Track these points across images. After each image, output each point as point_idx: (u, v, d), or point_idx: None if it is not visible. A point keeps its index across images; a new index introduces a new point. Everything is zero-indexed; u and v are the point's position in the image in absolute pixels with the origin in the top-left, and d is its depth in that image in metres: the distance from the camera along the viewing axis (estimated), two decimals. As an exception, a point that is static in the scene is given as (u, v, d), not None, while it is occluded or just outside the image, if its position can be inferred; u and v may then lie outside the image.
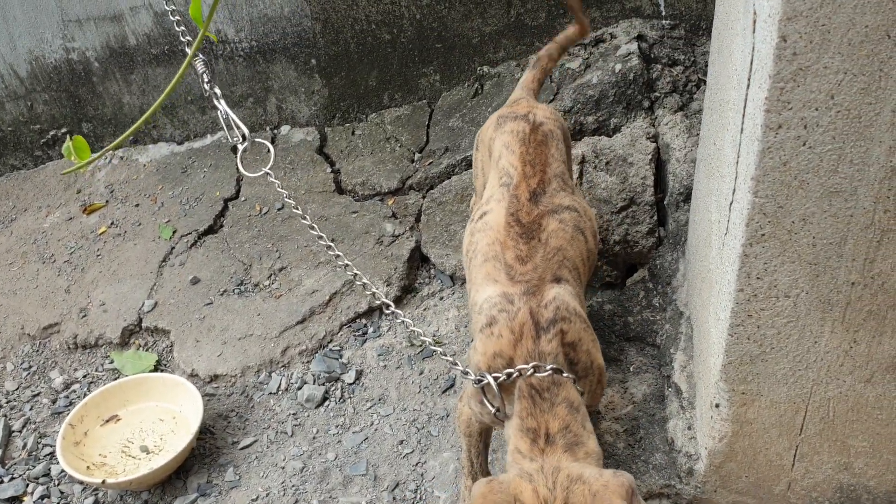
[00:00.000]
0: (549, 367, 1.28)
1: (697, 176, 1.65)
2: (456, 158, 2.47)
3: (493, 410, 1.35)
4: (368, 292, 1.52)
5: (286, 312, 2.31)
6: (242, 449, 2.05)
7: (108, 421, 2.11)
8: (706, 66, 2.34)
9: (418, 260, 2.39)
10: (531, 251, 1.46)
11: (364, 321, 2.30)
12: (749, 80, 1.05)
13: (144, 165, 2.91)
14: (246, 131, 1.69)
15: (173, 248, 2.59)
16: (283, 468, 1.98)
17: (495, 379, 1.32)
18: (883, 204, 1.02)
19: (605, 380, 1.41)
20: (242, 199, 2.69)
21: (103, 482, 1.87)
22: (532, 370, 1.28)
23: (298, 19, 2.60)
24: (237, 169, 1.66)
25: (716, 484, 1.32)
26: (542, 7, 2.45)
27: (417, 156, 2.59)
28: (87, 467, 1.97)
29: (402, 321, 1.48)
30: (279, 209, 2.62)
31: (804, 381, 1.17)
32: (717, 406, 1.23)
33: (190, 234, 2.61)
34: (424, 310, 2.29)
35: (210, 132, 2.90)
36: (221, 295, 2.42)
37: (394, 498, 1.86)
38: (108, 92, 2.88)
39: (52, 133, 3.02)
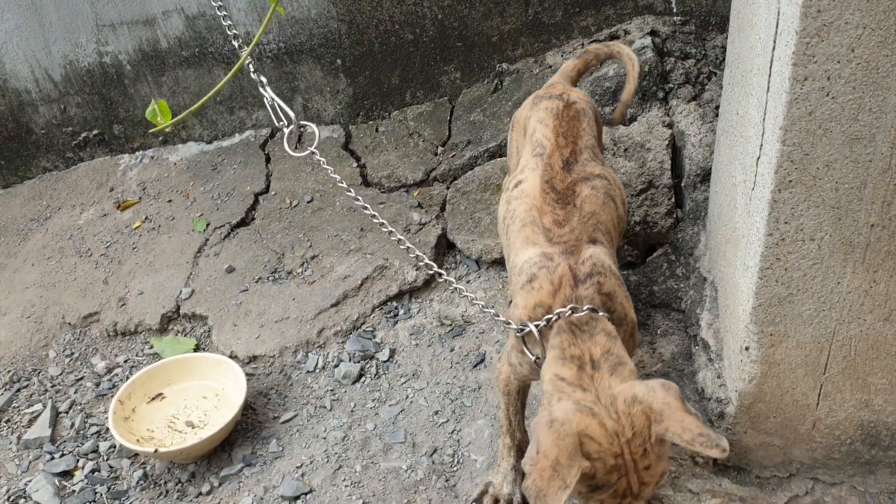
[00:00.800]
0: (586, 308, 1.38)
1: (718, 149, 1.77)
2: (479, 150, 2.58)
3: (534, 358, 1.45)
4: (421, 263, 1.62)
5: (320, 296, 2.42)
6: (284, 423, 2.14)
7: (153, 399, 2.20)
8: (717, 58, 2.47)
9: (444, 246, 2.50)
10: (567, 215, 1.56)
11: (395, 304, 2.40)
12: (775, 41, 1.17)
13: (175, 164, 3.01)
14: (292, 115, 1.82)
15: (207, 239, 2.69)
16: (325, 438, 2.07)
17: (536, 326, 1.42)
18: (899, 151, 1.13)
19: (637, 334, 1.51)
20: (273, 192, 2.79)
21: (155, 451, 1.96)
22: (570, 311, 1.38)
23: (325, 21, 2.72)
24: (286, 150, 1.75)
25: (746, 425, 1.42)
26: (558, 5, 2.58)
27: (440, 149, 2.71)
28: (137, 440, 2.06)
29: (455, 287, 1.59)
30: (308, 201, 2.73)
31: (828, 321, 1.28)
32: (746, 349, 1.33)
33: (223, 226, 2.71)
34: (452, 292, 2.40)
35: (238, 131, 3.02)
36: (256, 282, 2.52)
37: (433, 462, 1.95)
38: (139, 94, 2.99)
39: (83, 135, 3.12)
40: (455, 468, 1.93)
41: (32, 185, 3.21)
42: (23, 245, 2.95)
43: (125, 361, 2.45)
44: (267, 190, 2.81)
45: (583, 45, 2.60)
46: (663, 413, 1.19)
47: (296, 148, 1.91)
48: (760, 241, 1.21)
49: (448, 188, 2.60)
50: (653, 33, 2.50)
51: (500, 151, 2.55)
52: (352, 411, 2.14)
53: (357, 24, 2.71)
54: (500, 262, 2.39)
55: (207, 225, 2.73)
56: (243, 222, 2.72)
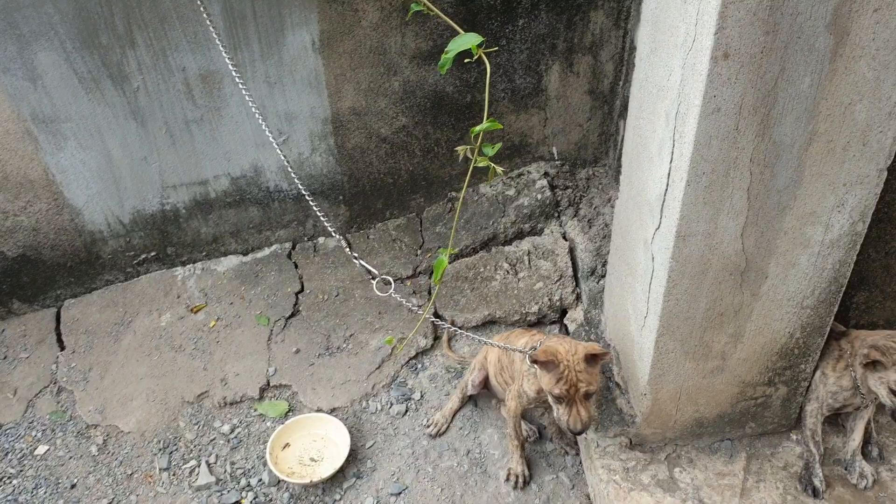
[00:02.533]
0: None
1: (611, 289, 3.25)
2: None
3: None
4: (360, 265, 3.00)
5: (366, 363, 3.72)
6: (368, 448, 3.46)
7: (284, 447, 3.45)
8: (584, 186, 3.95)
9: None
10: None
11: (414, 361, 3.75)
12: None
13: (223, 273, 4.14)
14: (375, 272, 3.14)
15: (272, 330, 3.89)
16: (400, 454, 3.42)
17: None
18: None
19: None
20: (308, 291, 4.02)
21: (311, 481, 3.24)
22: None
23: (332, 175, 3.94)
24: (375, 293, 3.07)
25: (645, 426, 2.92)
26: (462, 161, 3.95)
27: (419, 251, 4.04)
28: (288, 475, 3.32)
29: (357, 260, 2.97)
30: (336, 295, 3.98)
31: (679, 381, 2.76)
32: (644, 395, 2.82)
33: (279, 319, 3.92)
34: (450, 350, 3.77)
35: (266, 245, 4.18)
36: (318, 357, 3.78)
37: (470, 459, 3.36)
38: (190, 227, 4.08)
39: (143, 256, 4.16)
40: (485, 460, 3.35)
41: (102, 295, 4.20)
42: (118, 345, 3.99)
43: (240, 423, 3.64)
44: (302, 289, 4.03)
45: (501, 181, 4.00)
46: (588, 346, 2.65)
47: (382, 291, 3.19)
48: (651, 354, 2.68)
49: (430, 279, 3.95)
50: (545, 174, 3.94)
51: (461, 254, 3.93)
52: (407, 434, 3.49)
53: (355, 175, 3.95)
54: (476, 328, 3.78)
55: (268, 319, 3.92)
56: (293, 315, 3.94)
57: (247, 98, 3.03)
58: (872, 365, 2.66)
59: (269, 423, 3.58)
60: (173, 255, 4.16)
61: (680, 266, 2.40)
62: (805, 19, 1.93)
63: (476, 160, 2.37)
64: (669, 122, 2.28)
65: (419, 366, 3.73)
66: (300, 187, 2.90)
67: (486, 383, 3.39)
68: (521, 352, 2.85)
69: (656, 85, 2.38)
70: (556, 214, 3.86)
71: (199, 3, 3.18)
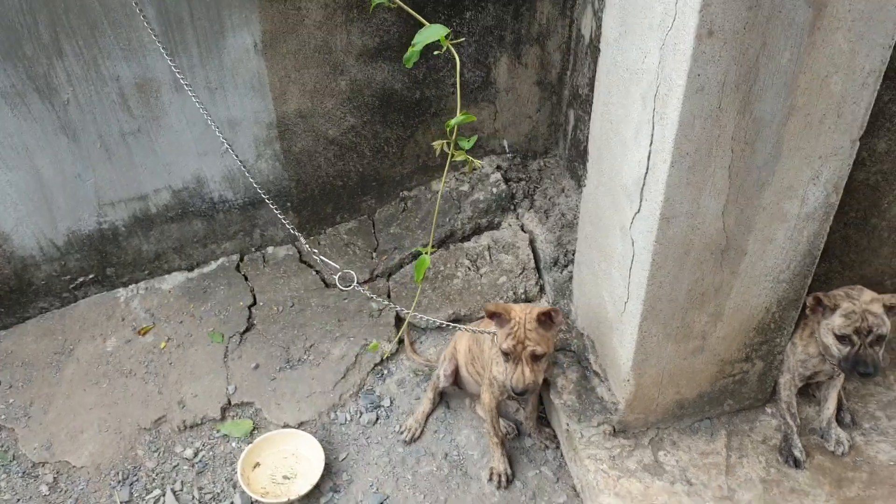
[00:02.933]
0: None
1: (580, 272, 3.21)
2: (404, 254, 3.84)
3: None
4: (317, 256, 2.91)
5: (331, 373, 3.59)
6: (342, 461, 3.33)
7: (254, 467, 3.28)
8: (537, 178, 3.91)
9: (397, 322, 3.76)
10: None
11: (380, 367, 3.63)
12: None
13: (169, 291, 3.93)
14: (336, 266, 3.03)
15: (227, 347, 3.71)
16: (376, 464, 3.30)
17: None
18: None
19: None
20: (260, 303, 3.85)
21: (288, 500, 3.09)
22: None
23: (280, 181, 3.79)
24: (340, 288, 2.94)
25: (628, 412, 2.89)
26: (438, 155, 3.87)
27: (374, 254, 3.93)
28: (262, 495, 3.16)
29: (319, 258, 2.89)
30: (291, 306, 3.83)
31: (661, 364, 2.75)
32: (627, 380, 2.79)
33: (234, 335, 3.74)
34: (415, 353, 3.68)
35: (213, 259, 3.99)
36: (279, 371, 3.62)
37: (449, 462, 3.27)
38: (130, 245, 3.85)
39: (80, 279, 3.91)
40: (464, 462, 3.27)
41: (37, 324, 3.93)
42: (60, 375, 3.73)
43: (203, 445, 3.45)
44: (255, 302, 3.86)
45: (454, 177, 3.93)
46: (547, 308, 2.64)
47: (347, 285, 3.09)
48: (634, 339, 2.66)
49: (388, 281, 3.85)
50: (498, 168, 3.89)
51: (418, 253, 3.83)
52: (380, 443, 3.38)
53: (303, 180, 3.81)
54: (441, 329, 3.70)
55: (223, 336, 3.74)
56: (248, 329, 3.77)
57: (195, 102, 2.87)
58: (821, 313, 2.70)
59: (234, 444, 3.41)
60: (113, 277, 3.92)
61: (663, 249, 2.38)
62: (786, -7, 1.93)
63: (453, 154, 2.29)
64: (647, 105, 2.25)
65: (385, 371, 3.62)
66: (257, 189, 2.77)
67: (457, 377, 3.32)
68: (488, 333, 2.80)
69: (628, 68, 2.35)
70: (513, 207, 3.82)
71: (134, 5, 2.99)
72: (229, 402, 3.52)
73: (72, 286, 3.89)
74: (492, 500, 3.10)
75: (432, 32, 2.30)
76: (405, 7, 2.33)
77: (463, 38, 3.34)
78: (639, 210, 2.42)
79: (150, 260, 3.89)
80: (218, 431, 3.47)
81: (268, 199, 2.94)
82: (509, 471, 3.12)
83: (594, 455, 2.90)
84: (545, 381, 3.17)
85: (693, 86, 2.03)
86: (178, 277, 3.97)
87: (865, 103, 2.20)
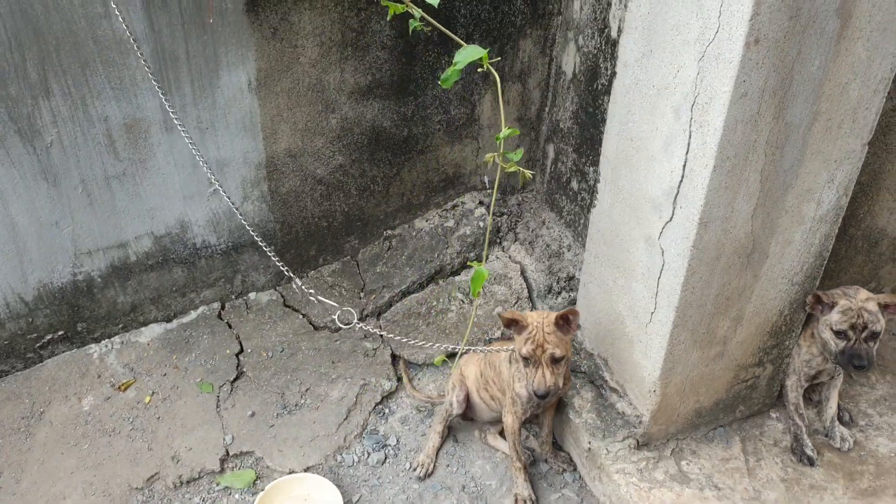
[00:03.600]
0: None
1: (588, 288, 3.28)
2: (394, 291, 3.81)
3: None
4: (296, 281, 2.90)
5: (333, 415, 3.48)
6: (356, 503, 3.22)
7: (266, 516, 3.12)
8: (517, 213, 4.00)
9: (393, 361, 3.70)
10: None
11: (381, 406, 3.55)
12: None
13: (148, 344, 3.73)
14: (336, 305, 3.00)
15: (219, 396, 3.54)
16: (392, 502, 3.20)
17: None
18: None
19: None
20: (248, 350, 3.71)
21: (312, 545, 2.95)
22: None
23: (265, 223, 3.71)
24: (339, 326, 2.88)
25: (652, 424, 2.95)
26: (421, 192, 3.91)
27: (361, 294, 3.87)
28: (278, 545, 3.00)
29: (316, 298, 2.88)
30: (281, 351, 3.71)
31: (686, 372, 2.83)
32: (653, 391, 2.85)
33: (224, 384, 3.58)
34: (414, 390, 3.62)
35: (192, 308, 3.83)
36: (277, 417, 3.48)
37: (468, 494, 3.21)
38: (105, 297, 3.65)
39: (48, 337, 3.66)
40: (483, 492, 3.22)
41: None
42: (31, 441, 3.45)
43: (203, 501, 3.25)
44: (242, 349, 3.71)
45: (437, 214, 3.96)
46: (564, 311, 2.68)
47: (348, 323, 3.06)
48: (664, 348, 2.73)
49: (378, 319, 3.80)
50: (481, 203, 3.95)
51: (409, 291, 3.82)
52: (393, 482, 3.29)
53: (288, 222, 3.74)
54: (434, 365, 3.67)
55: (212, 386, 3.57)
56: (238, 377, 3.61)
57: (187, 141, 2.83)
58: (820, 310, 2.87)
59: (237, 496, 3.24)
60: (84, 332, 3.69)
61: (699, 254, 2.48)
62: (820, 4, 2.11)
63: (502, 166, 2.33)
64: (681, 116, 2.37)
65: (386, 411, 3.55)
66: (248, 231, 2.74)
67: (467, 406, 3.29)
68: (505, 350, 2.83)
69: (654, 85, 2.48)
70: (498, 241, 3.88)
71: (132, 42, 2.92)
72: (227, 453, 3.34)
73: (37, 345, 3.64)
74: (519, 527, 3.06)
75: (472, 52, 2.35)
76: (442, 29, 2.38)
77: (499, 58, 3.42)
78: (671, 219, 2.52)
79: (126, 312, 3.69)
80: (218, 484, 3.28)
81: (259, 239, 2.87)
82: (534, 496, 3.09)
83: (623, 469, 2.93)
84: (560, 400, 3.20)
85: (738, 92, 2.17)
86: (155, 329, 3.78)
87: (876, 109, 2.40)
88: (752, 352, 2.91)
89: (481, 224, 3.84)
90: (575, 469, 3.22)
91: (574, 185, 3.69)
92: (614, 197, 2.82)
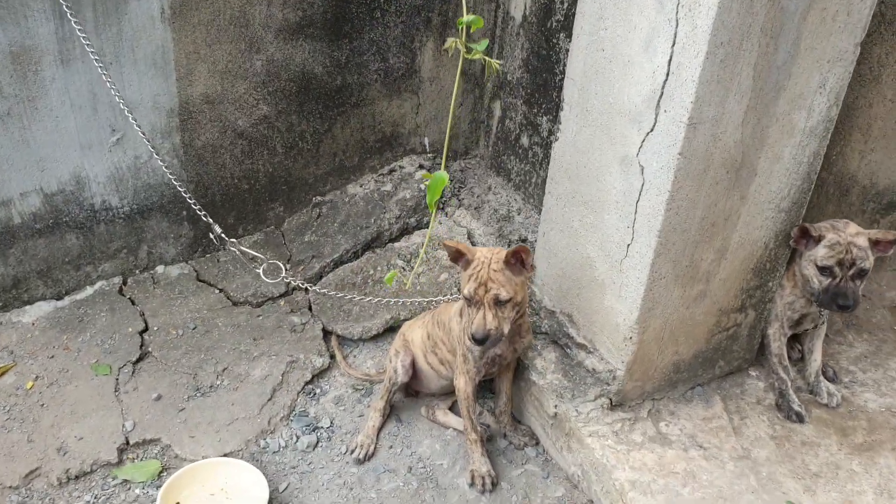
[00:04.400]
0: None
1: (548, 236, 2.97)
2: (325, 262, 3.41)
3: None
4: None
5: (255, 395, 3.01)
6: (283, 492, 2.75)
7: (174, 509, 2.62)
8: (460, 179, 3.69)
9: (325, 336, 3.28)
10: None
11: (312, 386, 3.11)
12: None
13: (33, 324, 3.19)
14: (262, 257, 2.62)
15: (118, 379, 3.03)
16: (328, 488, 2.75)
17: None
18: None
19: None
20: (155, 328, 3.22)
21: (232, 535, 2.47)
22: None
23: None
24: (263, 280, 2.46)
25: (627, 379, 2.61)
26: (355, 154, 3.55)
27: (287, 266, 3.45)
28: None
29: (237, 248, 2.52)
30: (193, 328, 3.23)
31: (665, 314, 2.51)
32: (630, 338, 2.54)
33: (125, 365, 3.07)
34: (349, 367, 3.20)
35: (88, 284, 3.32)
36: (188, 400, 2.99)
37: (416, 475, 2.80)
38: (-22, 269, 3.12)
39: None
40: (434, 473, 2.81)
41: None
42: None
43: (96, 498, 2.72)
44: (147, 328, 3.22)
45: (373, 179, 3.61)
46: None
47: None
48: (643, 284, 2.42)
49: (307, 293, 3.38)
50: (421, 167, 3.63)
51: (342, 260, 3.42)
52: (327, 467, 2.84)
53: (203, 182, 3.31)
54: (377, 338, 3.26)
55: (110, 368, 3.06)
56: (142, 358, 3.12)
57: (101, 73, 2.42)
58: (804, 245, 2.65)
59: (138, 491, 2.73)
60: (-50, 314, 3.14)
61: (686, 164, 2.22)
62: None
63: (465, 53, 2.02)
64: (665, 5, 2.13)
65: (318, 391, 3.11)
66: (171, 182, 2.32)
67: (412, 375, 2.91)
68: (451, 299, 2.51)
69: (631, -21, 2.23)
70: (441, 206, 3.54)
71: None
72: (127, 442, 2.84)
73: None
74: (479, 507, 2.66)
75: None
76: None
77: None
78: (652, 128, 2.26)
79: (6, 288, 3.16)
80: (115, 478, 2.77)
81: (181, 188, 2.48)
82: (493, 472, 2.72)
83: (596, 432, 2.59)
84: (518, 365, 2.85)
85: (734, -38, 1.94)
86: (43, 307, 3.25)
87: (869, 4, 2.22)
88: (735, 293, 2.65)
89: (422, 187, 3.51)
90: (538, 443, 2.87)
91: (524, 140, 3.41)
92: (582, 121, 2.55)
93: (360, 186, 3.59)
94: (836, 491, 2.47)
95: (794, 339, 3.01)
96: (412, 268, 3.30)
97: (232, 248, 2.63)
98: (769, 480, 2.50)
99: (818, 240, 2.61)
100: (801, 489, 2.47)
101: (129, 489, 2.73)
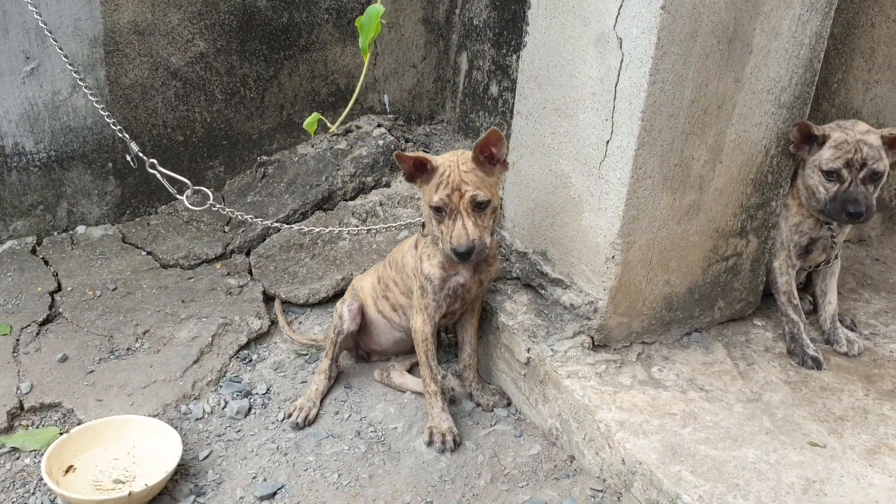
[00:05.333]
0: None
1: (523, 155, 2.64)
2: (268, 223, 3.05)
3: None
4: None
5: (179, 357, 2.61)
6: (203, 460, 2.32)
7: (66, 472, 2.18)
8: (424, 142, 3.38)
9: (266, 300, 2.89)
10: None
11: (246, 352, 2.71)
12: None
13: (-73, 284, 2.81)
14: (188, 182, 2.29)
15: (18, 339, 2.63)
16: (257, 454, 2.32)
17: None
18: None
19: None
20: (69, 289, 2.83)
21: (130, 493, 2.03)
22: None
23: (100, 128, 2.94)
24: (187, 207, 2.11)
25: (611, 311, 2.23)
26: (306, 108, 3.24)
27: (226, 227, 3.09)
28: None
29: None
30: (113, 289, 2.85)
31: (653, 228, 2.16)
32: (612, 258, 2.17)
33: (29, 325, 2.67)
34: (293, 332, 2.81)
35: (-3, 242, 2.95)
36: (99, 363, 2.58)
37: (365, 439, 2.37)
38: None
39: None
40: (386, 437, 2.38)
41: None
42: None
43: (-23, 466, 2.29)
44: (60, 288, 2.84)
45: (326, 137, 3.30)
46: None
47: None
48: (625, 185, 2.08)
49: (248, 256, 3.01)
50: (380, 126, 3.32)
51: (288, 220, 3.07)
52: (258, 435, 2.41)
53: (132, 130, 2.97)
54: (324, 302, 2.88)
55: (10, 328, 2.66)
56: (50, 319, 2.72)
57: None
58: (807, 150, 2.31)
59: (28, 460, 2.31)
60: None
61: (671, 21, 1.93)
62: None
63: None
64: None
65: (254, 356, 2.71)
66: (100, 117, 2.02)
67: (361, 325, 2.53)
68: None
69: None
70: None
71: None
72: (21, 406, 2.43)
73: None
74: (437, 469, 2.24)
75: None
76: None
77: None
78: (630, -11, 1.97)
79: None
80: (2, 446, 2.33)
81: (111, 121, 2.15)
82: (455, 429, 2.30)
83: (576, 372, 2.20)
84: (483, 311, 2.48)
85: None
86: (-60, 266, 2.87)
87: None
88: (734, 210, 2.31)
89: (381, 143, 3.19)
90: (509, 403, 2.46)
91: (493, 89, 3.13)
92: (552, 11, 2.26)
93: (312, 146, 3.28)
94: (866, 434, 2.07)
95: (805, 288, 2.65)
96: (368, 227, 2.94)
97: (151, 170, 2.28)
98: (786, 422, 2.10)
99: (822, 141, 2.29)
100: (826, 431, 2.07)
101: (18, 458, 2.31)
